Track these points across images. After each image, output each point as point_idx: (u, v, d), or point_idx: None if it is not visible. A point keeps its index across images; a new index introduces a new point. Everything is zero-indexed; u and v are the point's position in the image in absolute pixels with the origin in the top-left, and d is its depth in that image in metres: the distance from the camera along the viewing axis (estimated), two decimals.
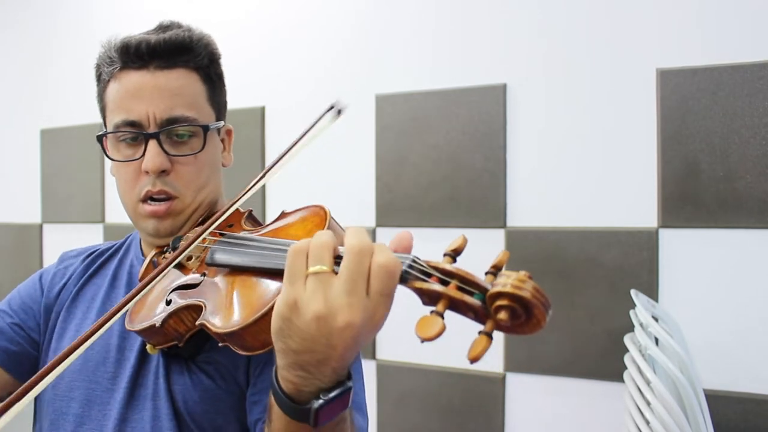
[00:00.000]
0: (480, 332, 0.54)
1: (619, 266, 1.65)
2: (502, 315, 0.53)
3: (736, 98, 1.55)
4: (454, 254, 0.59)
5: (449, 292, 0.55)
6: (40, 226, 2.55)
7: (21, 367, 0.96)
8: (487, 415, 1.80)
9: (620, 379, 1.43)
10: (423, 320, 0.54)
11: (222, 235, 0.84)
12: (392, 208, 1.92)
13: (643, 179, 1.64)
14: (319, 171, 2.04)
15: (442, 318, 0.54)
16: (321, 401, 0.59)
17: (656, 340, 1.33)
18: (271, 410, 0.64)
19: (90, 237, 2.39)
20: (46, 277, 1.04)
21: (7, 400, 0.63)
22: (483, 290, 0.55)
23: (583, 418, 1.70)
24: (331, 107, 0.84)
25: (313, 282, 0.57)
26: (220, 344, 0.72)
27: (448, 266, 0.57)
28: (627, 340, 1.38)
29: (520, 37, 1.79)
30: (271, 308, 0.64)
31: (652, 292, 1.61)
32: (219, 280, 0.78)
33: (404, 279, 0.57)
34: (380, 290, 0.56)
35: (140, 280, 0.92)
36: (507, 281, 0.53)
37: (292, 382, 0.60)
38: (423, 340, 0.53)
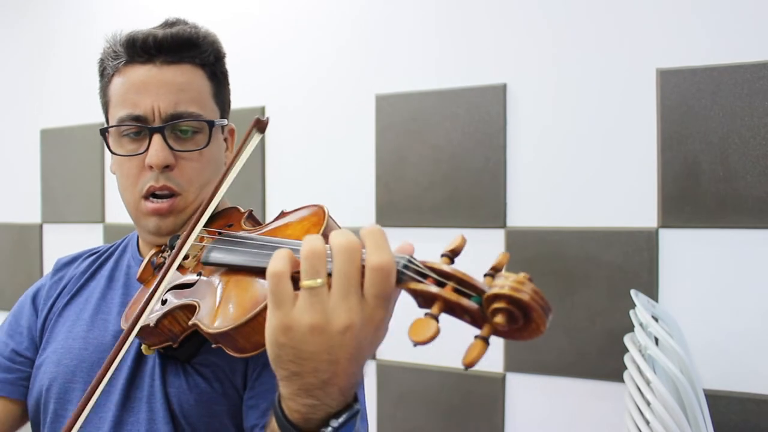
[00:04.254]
0: (476, 336, 0.51)
1: (619, 266, 1.65)
2: (499, 318, 0.50)
3: (736, 98, 1.55)
4: (452, 255, 0.56)
5: (445, 294, 0.53)
6: (40, 226, 2.55)
7: (26, 390, 0.95)
8: (487, 415, 1.80)
9: (620, 379, 1.43)
10: (417, 323, 0.51)
11: (220, 234, 0.83)
12: (392, 208, 1.92)
13: (643, 179, 1.64)
14: (319, 171, 2.04)
15: (437, 321, 0.52)
16: (330, 429, 0.56)
17: (656, 340, 1.33)
18: None
19: (90, 237, 2.39)
20: (40, 295, 1.02)
21: None
22: (481, 293, 0.52)
23: (583, 418, 1.70)
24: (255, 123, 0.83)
25: (306, 296, 0.53)
26: (213, 346, 0.71)
27: (445, 267, 0.55)
28: (627, 340, 1.38)
29: (520, 37, 1.79)
30: (264, 308, 0.62)
31: (652, 292, 1.61)
32: (215, 279, 0.76)
33: (399, 280, 0.55)
34: (376, 293, 0.53)
35: (138, 280, 0.91)
36: (505, 283, 0.51)
37: (299, 412, 0.57)
38: (416, 344, 0.51)
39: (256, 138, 0.83)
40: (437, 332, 0.51)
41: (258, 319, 0.64)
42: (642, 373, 1.27)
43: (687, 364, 1.31)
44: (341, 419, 0.57)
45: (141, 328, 0.79)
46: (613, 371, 1.60)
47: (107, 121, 0.94)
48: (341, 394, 0.57)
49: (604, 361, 1.66)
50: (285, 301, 0.54)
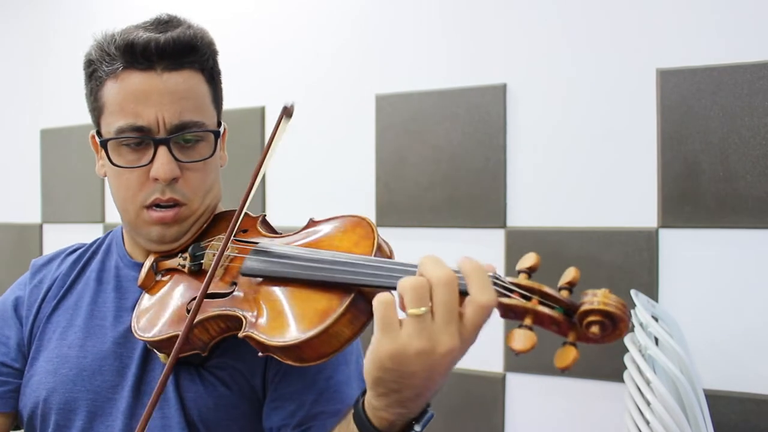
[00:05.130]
0: (565, 343, 0.58)
1: (619, 266, 1.65)
2: (595, 329, 0.57)
3: (736, 98, 1.55)
4: (530, 271, 0.63)
5: (535, 307, 0.59)
6: (40, 226, 2.55)
7: (16, 402, 0.93)
8: (487, 415, 1.80)
9: (620, 379, 1.43)
10: (515, 334, 0.57)
11: (246, 242, 0.82)
12: (392, 208, 1.92)
13: (643, 179, 1.64)
14: (319, 171, 2.04)
15: (533, 331, 0.58)
16: None
17: (656, 340, 1.33)
18: None
19: (90, 237, 2.37)
20: (22, 302, 0.97)
21: None
22: (565, 305, 0.59)
23: (583, 418, 1.70)
24: (283, 112, 0.81)
25: (414, 323, 0.58)
26: (260, 354, 0.71)
27: (529, 282, 0.61)
28: (627, 340, 1.38)
29: (520, 37, 1.79)
30: (335, 321, 0.66)
31: (652, 292, 1.61)
32: (255, 290, 0.75)
33: None
34: (476, 324, 0.58)
35: (140, 287, 0.89)
36: (594, 299, 0.58)
37: (388, 420, 0.63)
38: (518, 353, 0.57)
39: (285, 125, 0.82)
40: (536, 342, 0.57)
41: (329, 332, 0.66)
42: (642, 373, 1.27)
43: (687, 364, 1.31)
44: (422, 422, 0.64)
45: (168, 338, 0.78)
46: (613, 371, 1.60)
47: (98, 125, 0.90)
48: (425, 401, 0.64)
49: (604, 361, 1.65)
50: (393, 327, 0.59)
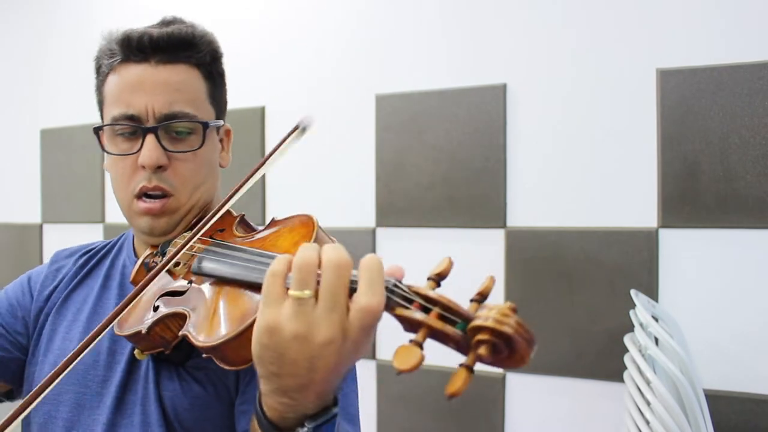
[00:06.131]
0: (461, 365, 0.51)
1: (619, 266, 1.65)
2: (483, 350, 0.50)
3: (736, 98, 1.55)
4: (438, 278, 0.56)
5: (430, 321, 0.52)
6: (40, 226, 2.55)
7: (9, 372, 0.95)
8: (487, 415, 1.80)
9: (620, 379, 1.43)
10: (401, 351, 0.51)
11: (211, 238, 0.82)
12: (392, 208, 1.92)
13: (643, 179, 1.64)
14: (319, 171, 2.04)
15: (422, 348, 0.51)
16: (306, 429, 0.58)
17: (656, 340, 1.33)
18: None
19: (90, 237, 2.38)
20: (36, 279, 1.01)
21: None
22: (466, 319, 0.52)
23: (583, 418, 1.70)
24: (296, 127, 0.78)
25: (294, 305, 0.55)
26: (204, 356, 0.70)
27: (431, 293, 0.55)
28: (627, 340, 1.38)
29: (520, 37, 1.79)
30: (251, 324, 0.62)
31: (652, 292, 1.61)
32: (205, 288, 0.76)
33: (385, 305, 0.55)
34: (361, 326, 0.54)
35: (132, 283, 0.90)
36: (489, 314, 0.51)
37: (275, 409, 0.59)
38: (399, 372, 0.50)
39: (295, 138, 0.80)
40: (421, 360, 0.50)
41: (246, 335, 0.63)
42: (642, 373, 1.27)
43: (687, 364, 1.31)
44: (318, 421, 0.58)
45: (134, 334, 0.78)
46: (613, 371, 1.60)
47: (102, 119, 0.93)
48: (318, 398, 0.58)
49: (604, 361, 1.66)
50: (274, 302, 0.56)
